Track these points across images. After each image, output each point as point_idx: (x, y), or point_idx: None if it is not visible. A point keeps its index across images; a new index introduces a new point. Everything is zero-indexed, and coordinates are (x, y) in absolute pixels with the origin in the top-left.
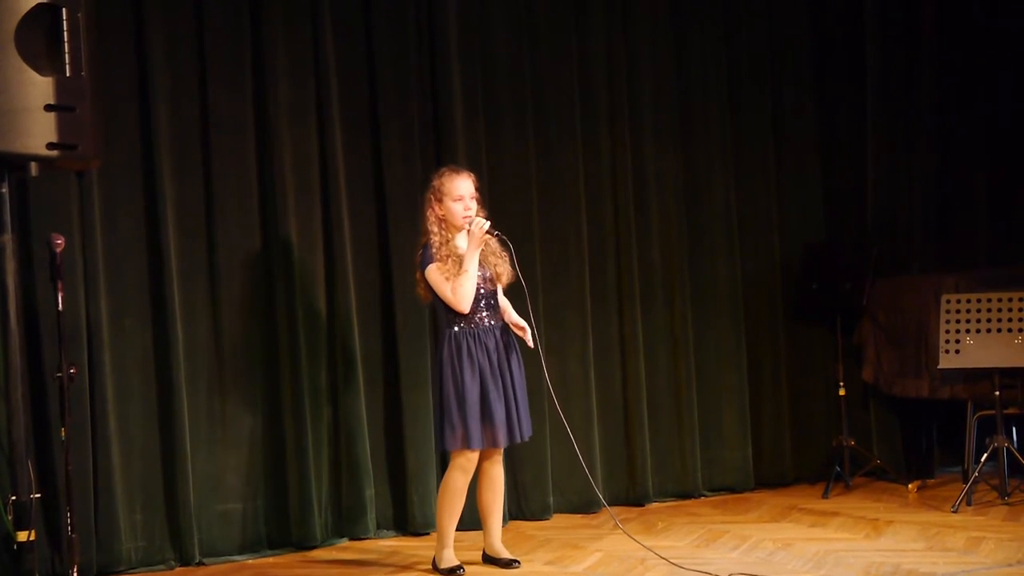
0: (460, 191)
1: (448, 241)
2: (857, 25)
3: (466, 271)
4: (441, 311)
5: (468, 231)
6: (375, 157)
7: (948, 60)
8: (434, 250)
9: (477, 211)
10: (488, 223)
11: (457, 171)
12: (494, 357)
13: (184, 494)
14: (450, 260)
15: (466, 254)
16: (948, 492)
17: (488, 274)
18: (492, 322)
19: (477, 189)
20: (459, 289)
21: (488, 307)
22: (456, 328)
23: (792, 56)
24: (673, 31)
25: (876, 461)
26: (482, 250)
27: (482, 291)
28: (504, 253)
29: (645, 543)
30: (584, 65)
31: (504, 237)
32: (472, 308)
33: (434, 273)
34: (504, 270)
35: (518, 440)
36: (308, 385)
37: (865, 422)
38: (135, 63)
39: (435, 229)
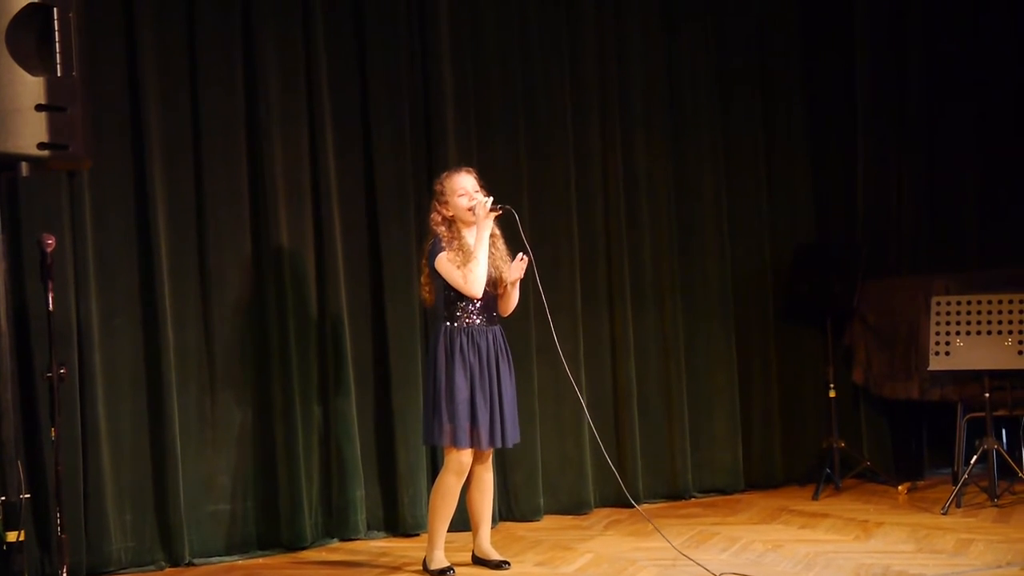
0: (463, 185)
1: (459, 238)
2: (847, 26)
3: (476, 257)
4: (440, 305)
5: (474, 215)
6: (366, 158)
7: (937, 62)
8: (444, 243)
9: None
10: (490, 199)
11: (457, 169)
12: (484, 358)
13: (174, 495)
14: (461, 252)
15: (476, 237)
16: (938, 494)
17: (491, 277)
18: (487, 324)
19: (482, 187)
20: (471, 274)
21: (485, 308)
22: (451, 324)
23: (782, 57)
24: (663, 32)
25: (866, 463)
26: (491, 253)
27: (483, 294)
28: (508, 257)
29: (641, 544)
30: (575, 68)
31: (510, 208)
32: (471, 305)
33: (444, 262)
34: (508, 274)
35: (499, 445)
36: (299, 386)
37: (855, 424)
38: (126, 63)
39: (442, 230)
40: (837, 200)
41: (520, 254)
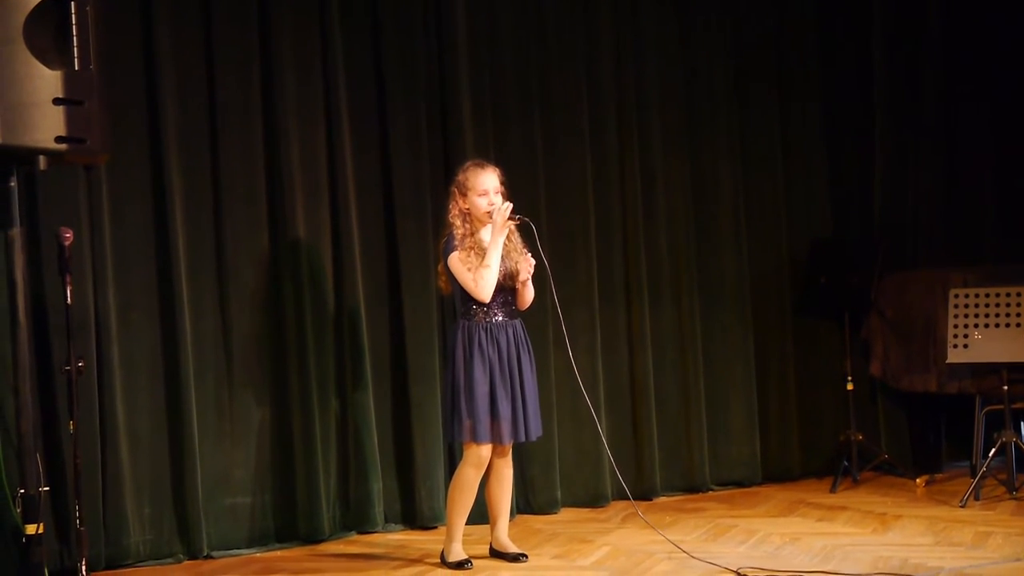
0: (485, 185)
1: (472, 234)
2: (864, 21)
3: (488, 265)
4: (458, 301)
5: (492, 220)
6: (383, 152)
7: (954, 55)
8: (457, 241)
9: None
10: (510, 206)
11: (482, 165)
12: (504, 353)
13: (192, 488)
14: (473, 252)
15: (490, 243)
16: (956, 487)
17: (509, 270)
18: (507, 318)
19: (503, 183)
20: (481, 280)
21: (504, 303)
22: (470, 320)
23: (799, 52)
24: (680, 26)
25: (884, 456)
26: (505, 245)
27: (501, 288)
28: (525, 250)
29: (658, 537)
30: (591, 62)
31: (527, 220)
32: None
33: (456, 262)
34: (525, 267)
35: (523, 439)
36: (316, 379)
37: (873, 417)
38: (143, 57)
39: (458, 223)
40: (854, 194)
41: (528, 254)
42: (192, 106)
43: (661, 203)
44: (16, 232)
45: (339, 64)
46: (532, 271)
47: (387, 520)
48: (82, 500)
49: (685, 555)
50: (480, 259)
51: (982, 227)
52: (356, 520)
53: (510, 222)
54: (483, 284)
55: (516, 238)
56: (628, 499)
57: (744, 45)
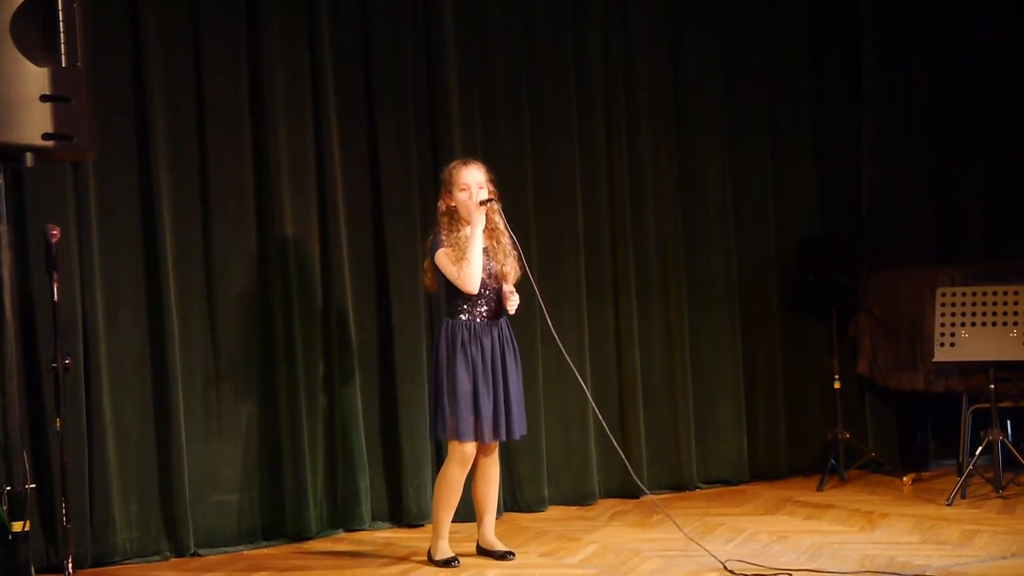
0: (466, 180)
1: (458, 231)
2: (853, 17)
3: (469, 261)
4: (443, 300)
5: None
6: (371, 150)
7: (944, 53)
8: (443, 237)
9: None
10: (486, 194)
11: (465, 162)
12: (488, 352)
13: (179, 485)
14: (458, 248)
15: (471, 234)
16: (943, 485)
17: (493, 271)
18: (491, 318)
19: (490, 180)
20: (464, 271)
21: (488, 303)
22: (454, 319)
23: (788, 48)
24: (669, 23)
25: (871, 454)
26: (490, 247)
27: (485, 288)
28: (513, 251)
29: (646, 535)
30: (580, 58)
31: (492, 199)
32: (473, 300)
33: (442, 257)
34: (511, 268)
35: (504, 438)
36: (304, 377)
37: (860, 415)
38: (130, 54)
39: (444, 220)
40: (843, 192)
41: (517, 265)
42: (180, 104)
43: (649, 201)
44: (3, 229)
45: (328, 64)
46: (515, 309)
47: (374, 518)
48: (69, 498)
49: (672, 553)
50: (463, 253)
51: (970, 226)
52: (343, 518)
53: (483, 207)
54: (466, 275)
55: (505, 240)
56: (615, 497)
57: (733, 44)
